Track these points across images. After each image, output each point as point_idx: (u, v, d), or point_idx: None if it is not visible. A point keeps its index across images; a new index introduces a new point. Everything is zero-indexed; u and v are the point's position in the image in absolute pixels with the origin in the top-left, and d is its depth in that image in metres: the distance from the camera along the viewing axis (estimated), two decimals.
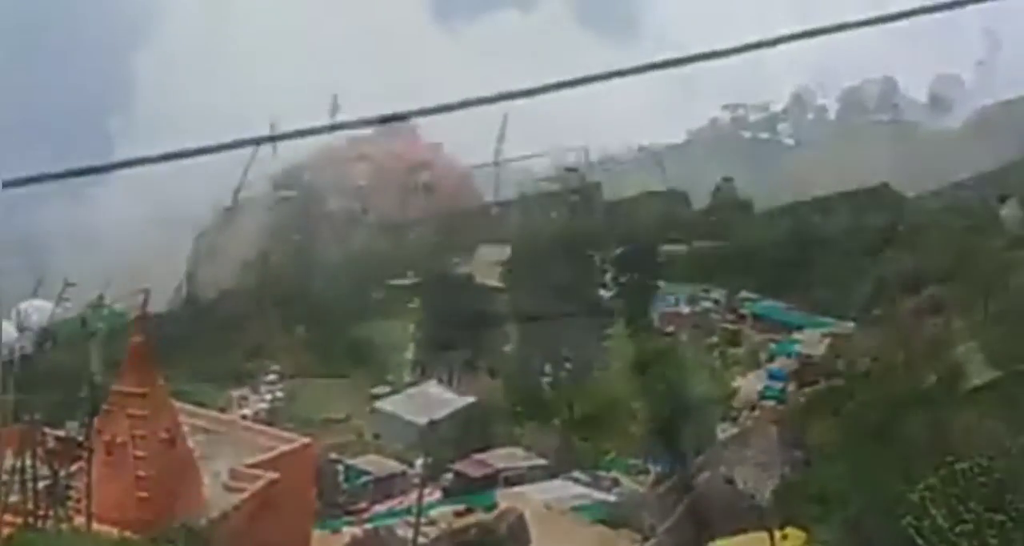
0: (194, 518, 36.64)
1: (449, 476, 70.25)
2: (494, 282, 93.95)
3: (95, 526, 35.02)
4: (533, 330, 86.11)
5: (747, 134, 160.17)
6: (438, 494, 66.96)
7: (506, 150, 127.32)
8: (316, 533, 49.15)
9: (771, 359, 77.91)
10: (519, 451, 73.66)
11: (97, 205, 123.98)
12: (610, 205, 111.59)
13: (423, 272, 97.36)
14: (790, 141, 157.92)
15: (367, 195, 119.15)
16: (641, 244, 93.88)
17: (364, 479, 71.54)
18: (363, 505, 69.29)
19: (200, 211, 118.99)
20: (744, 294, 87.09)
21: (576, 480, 69.27)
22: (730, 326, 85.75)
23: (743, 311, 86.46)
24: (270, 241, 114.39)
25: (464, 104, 7.95)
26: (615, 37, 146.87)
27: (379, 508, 68.56)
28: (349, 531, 59.95)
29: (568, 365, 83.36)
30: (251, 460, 40.37)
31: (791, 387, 70.86)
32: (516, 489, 66.17)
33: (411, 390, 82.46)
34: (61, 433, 37.11)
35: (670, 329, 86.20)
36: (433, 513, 58.76)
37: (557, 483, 68.55)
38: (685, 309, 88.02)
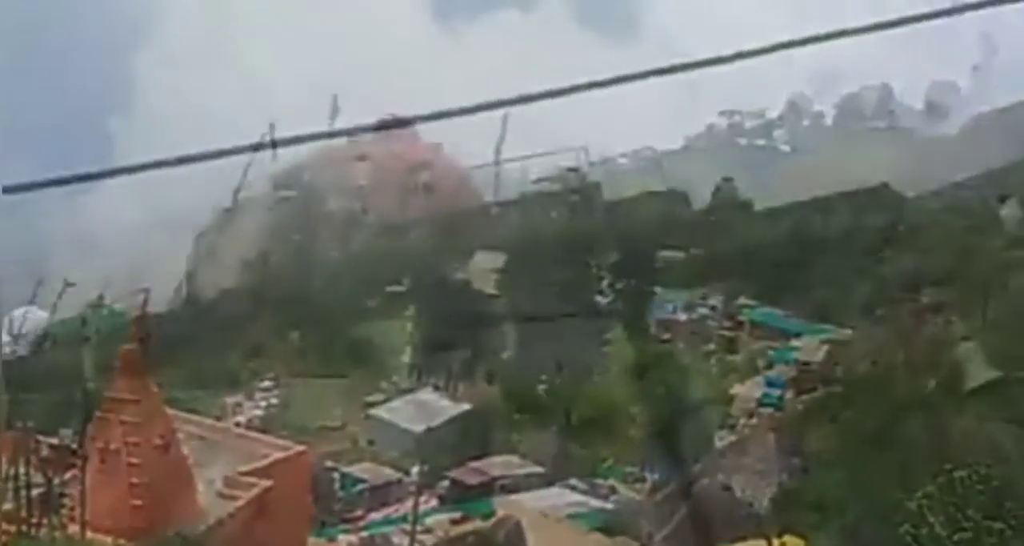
0: (188, 526, 36.45)
1: (445, 484, 70.02)
2: (491, 289, 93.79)
3: (89, 534, 34.85)
4: (530, 336, 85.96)
5: (743, 141, 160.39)
6: (434, 502, 66.77)
7: (506, 150, 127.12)
8: (312, 541, 48.92)
9: (769, 366, 77.63)
10: (515, 459, 73.42)
11: (97, 205, 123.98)
12: (610, 205, 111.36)
13: (421, 276, 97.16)
14: (786, 148, 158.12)
15: (367, 195, 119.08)
16: (638, 250, 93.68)
17: (360, 487, 71.28)
18: (359, 513, 69.01)
19: (200, 211, 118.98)
20: (742, 300, 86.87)
21: (573, 488, 69.02)
22: (727, 333, 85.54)
23: (740, 318, 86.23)
24: (270, 241, 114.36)
25: (464, 110, 7.84)
26: (615, 37, 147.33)
27: (375, 516, 68.27)
28: (345, 539, 59.78)
29: (565, 371, 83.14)
30: (246, 468, 40.15)
31: (789, 394, 70.75)
32: (513, 497, 65.89)
33: (407, 397, 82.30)
34: (55, 441, 36.96)
35: (667, 336, 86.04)
36: (429, 521, 58.62)
37: (554, 491, 68.27)
38: (682, 316, 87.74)
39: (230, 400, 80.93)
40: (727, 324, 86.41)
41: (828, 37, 8.42)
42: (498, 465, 72.10)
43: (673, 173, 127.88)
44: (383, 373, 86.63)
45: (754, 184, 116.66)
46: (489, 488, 68.99)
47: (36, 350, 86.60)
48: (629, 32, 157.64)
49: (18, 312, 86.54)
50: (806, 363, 72.60)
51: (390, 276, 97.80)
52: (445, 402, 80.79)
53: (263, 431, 59.73)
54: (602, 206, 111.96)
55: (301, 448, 44.70)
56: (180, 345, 77.55)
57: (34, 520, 34.76)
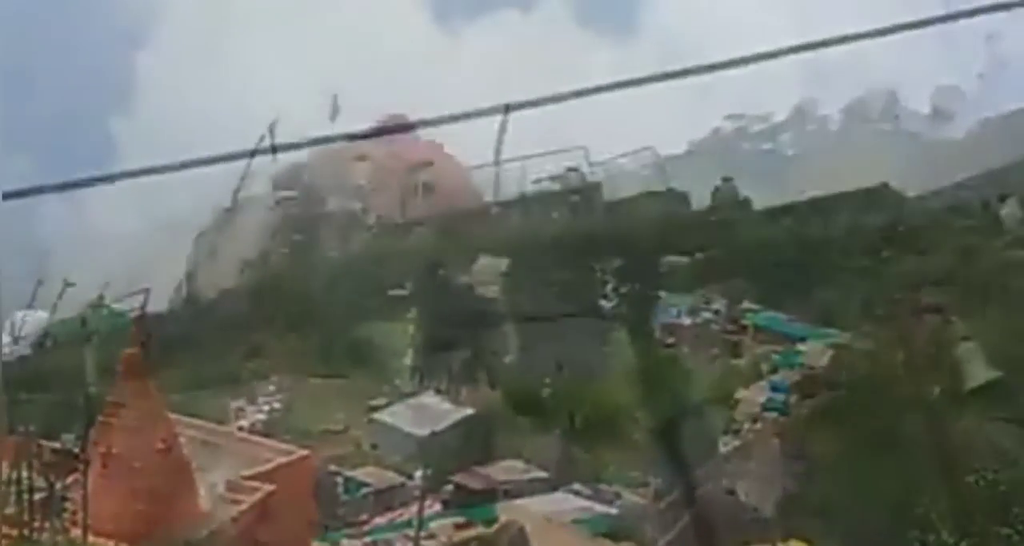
0: (191, 530, 36.36)
1: (449, 488, 69.83)
2: (493, 293, 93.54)
3: (91, 538, 34.76)
4: (532, 338, 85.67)
5: (747, 145, 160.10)
6: (438, 507, 66.52)
7: (506, 150, 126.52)
8: None
9: (773, 371, 77.41)
10: (519, 463, 73.22)
11: (96, 205, 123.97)
12: (610, 205, 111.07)
13: (422, 278, 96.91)
14: (791, 152, 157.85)
15: (367, 195, 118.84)
16: (642, 254, 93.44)
17: (364, 491, 71.05)
18: (363, 518, 68.82)
19: (200, 211, 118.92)
20: (746, 304, 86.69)
21: (577, 493, 68.83)
22: (731, 337, 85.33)
23: (744, 322, 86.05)
24: (270, 241, 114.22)
25: (467, 115, 7.74)
26: (615, 37, 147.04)
27: (379, 521, 68.08)
28: (349, 544, 59.62)
29: (569, 374, 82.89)
30: (248, 472, 40.04)
31: (793, 399, 70.55)
32: (517, 502, 65.74)
33: (409, 401, 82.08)
34: (57, 445, 36.90)
35: (671, 340, 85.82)
36: (433, 526, 58.40)
37: (558, 496, 68.06)
38: (686, 320, 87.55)
39: (233, 404, 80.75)
40: (731, 328, 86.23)
41: (836, 41, 8.31)
42: (502, 470, 71.94)
43: (678, 177, 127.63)
44: (385, 376, 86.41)
45: (759, 188, 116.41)
46: (493, 493, 68.82)
47: (37, 351, 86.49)
48: (629, 32, 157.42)
49: (19, 315, 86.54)
50: (811, 367, 72.42)
51: (391, 277, 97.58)
52: (448, 406, 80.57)
53: (266, 435, 59.63)
54: (603, 206, 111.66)
55: (304, 452, 44.63)
56: (180, 345, 77.48)
57: (36, 524, 34.70)
